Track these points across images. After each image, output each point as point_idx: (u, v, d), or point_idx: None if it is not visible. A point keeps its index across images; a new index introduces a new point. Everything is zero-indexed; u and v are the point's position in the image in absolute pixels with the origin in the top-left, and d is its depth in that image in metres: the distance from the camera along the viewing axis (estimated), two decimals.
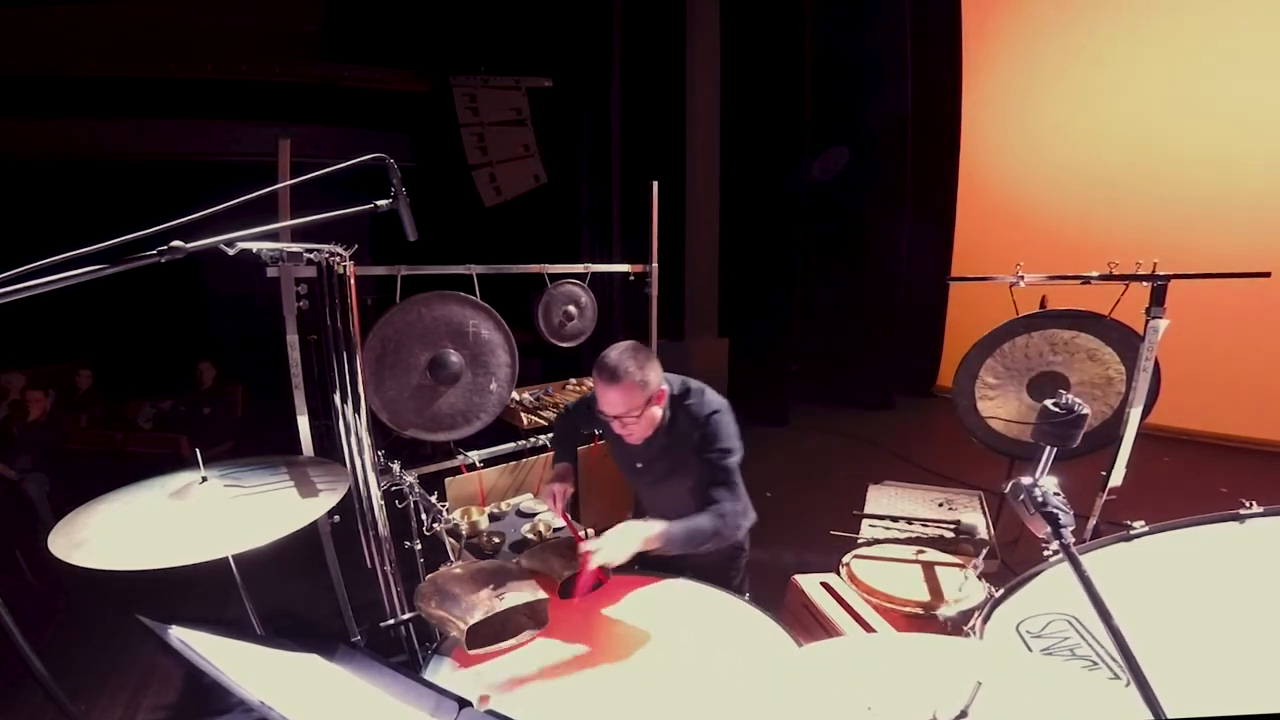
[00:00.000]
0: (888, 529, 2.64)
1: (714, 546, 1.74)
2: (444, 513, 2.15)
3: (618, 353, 1.71)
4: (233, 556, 1.54)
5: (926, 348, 6.82)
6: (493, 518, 2.56)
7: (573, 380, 3.64)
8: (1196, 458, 4.85)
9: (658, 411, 1.79)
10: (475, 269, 2.64)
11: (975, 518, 2.58)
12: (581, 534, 1.81)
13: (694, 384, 1.90)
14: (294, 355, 2.22)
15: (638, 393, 1.69)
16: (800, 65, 6.06)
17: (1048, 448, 1.31)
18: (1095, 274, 2.41)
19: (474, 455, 2.74)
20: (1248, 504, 1.82)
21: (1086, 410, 1.32)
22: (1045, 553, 1.73)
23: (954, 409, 3.02)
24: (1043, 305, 2.86)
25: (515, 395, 3.17)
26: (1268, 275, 2.29)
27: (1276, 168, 4.74)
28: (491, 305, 2.67)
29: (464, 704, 1.03)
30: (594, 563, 1.58)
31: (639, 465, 1.98)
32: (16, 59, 5.26)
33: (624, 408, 1.70)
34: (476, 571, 1.70)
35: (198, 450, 1.68)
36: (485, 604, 1.56)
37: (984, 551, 1.67)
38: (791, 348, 6.31)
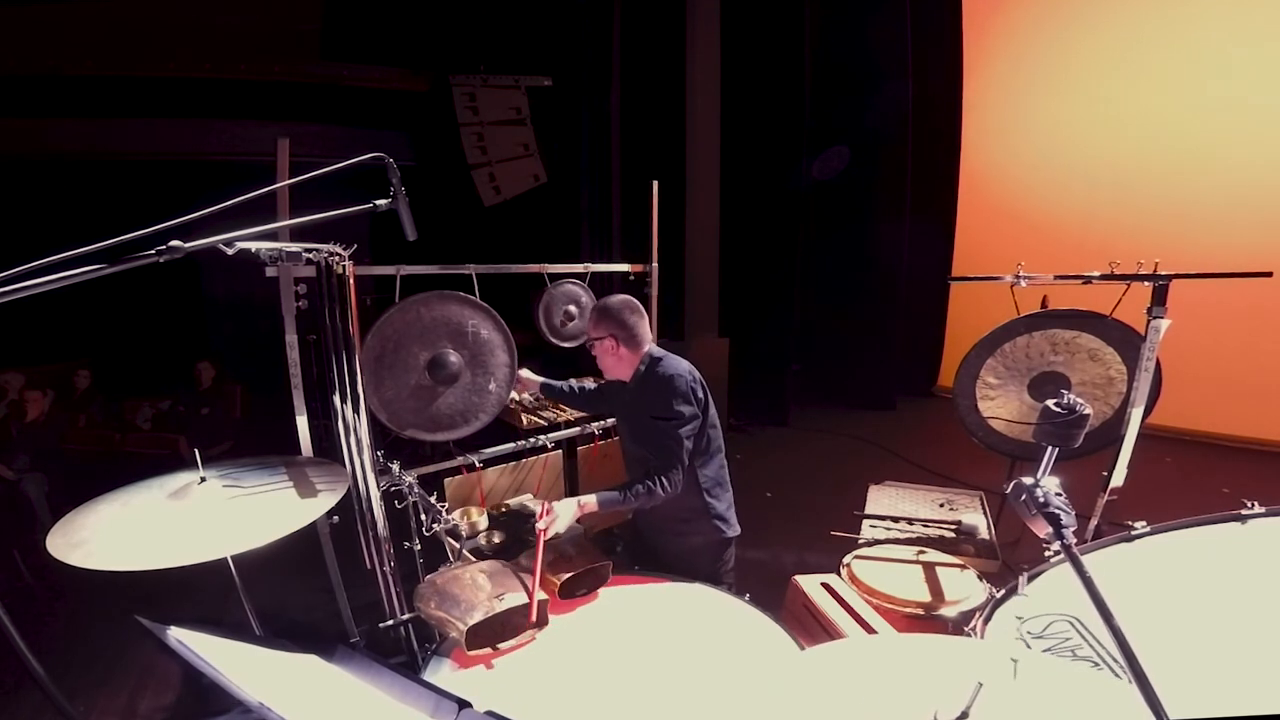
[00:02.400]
0: (888, 529, 2.64)
1: (647, 506, 1.98)
2: (443, 513, 2.14)
3: (611, 298, 2.13)
4: (231, 557, 1.53)
5: (927, 348, 6.81)
6: (492, 518, 2.56)
7: (572, 380, 3.62)
8: (1198, 458, 4.84)
9: (610, 352, 2.08)
10: (475, 269, 2.63)
11: (976, 518, 2.58)
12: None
13: (673, 355, 2.10)
14: (293, 355, 2.21)
15: (591, 323, 2.13)
16: (800, 65, 6.06)
17: (1049, 448, 1.31)
18: (1097, 274, 2.41)
19: (473, 456, 2.73)
20: (1249, 504, 1.81)
21: (1088, 410, 1.31)
22: (1046, 553, 1.73)
23: (955, 409, 3.01)
24: (1044, 305, 2.85)
25: (515, 396, 3.16)
26: (1269, 275, 2.29)
27: (1278, 167, 4.73)
28: (491, 305, 2.67)
29: (463, 705, 1.03)
30: (548, 534, 1.78)
31: (620, 417, 2.28)
32: (15, 58, 5.25)
33: (588, 329, 2.16)
34: (476, 572, 1.70)
35: (196, 450, 1.67)
36: (485, 605, 1.55)
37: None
38: (792, 348, 6.31)
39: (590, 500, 1.88)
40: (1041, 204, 5.94)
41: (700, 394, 2.03)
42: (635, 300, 2.13)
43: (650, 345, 2.11)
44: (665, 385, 1.98)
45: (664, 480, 1.90)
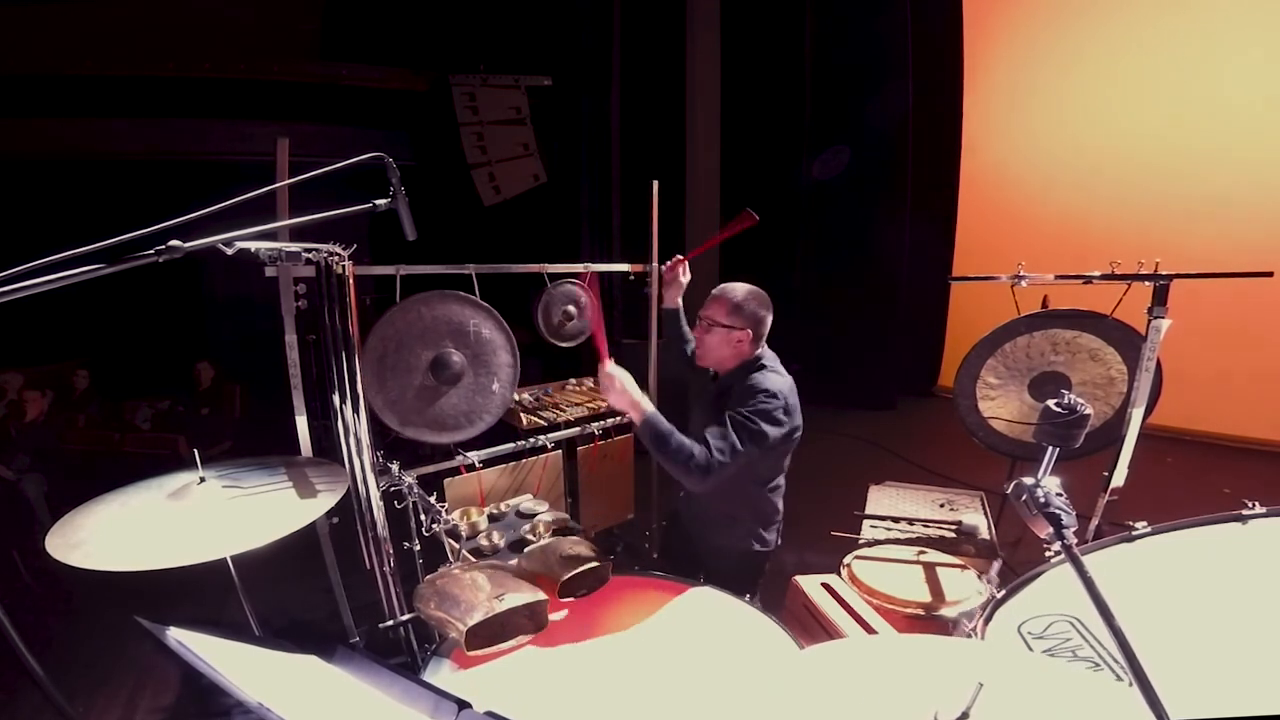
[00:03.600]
0: (889, 529, 2.64)
1: (669, 468, 1.83)
2: (443, 514, 2.14)
3: (745, 286, 2.05)
4: (231, 558, 1.53)
5: (928, 348, 6.81)
6: (492, 518, 2.55)
7: (573, 380, 3.63)
8: (1199, 458, 4.84)
9: (733, 343, 2.01)
10: (474, 269, 2.63)
11: (977, 518, 2.58)
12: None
13: (779, 366, 2.04)
14: (292, 355, 2.21)
15: (724, 309, 2.00)
16: (801, 65, 6.05)
17: (1050, 448, 1.30)
18: (1097, 274, 2.41)
19: (473, 456, 2.73)
20: (1250, 504, 1.81)
21: (1089, 410, 1.31)
22: (1047, 553, 1.73)
23: (955, 409, 3.01)
24: (1044, 305, 2.85)
25: (515, 395, 3.16)
26: (1270, 275, 2.28)
27: (1278, 167, 4.73)
28: (491, 305, 2.67)
29: (463, 705, 1.03)
30: (606, 371, 1.82)
31: (699, 402, 2.21)
32: (15, 58, 5.25)
33: (709, 310, 2.03)
34: (476, 573, 1.70)
35: (196, 451, 1.67)
36: (485, 605, 1.55)
37: (996, 565, 1.64)
38: (792, 348, 6.28)
39: (648, 406, 1.81)
40: (1042, 204, 5.93)
41: (784, 419, 1.90)
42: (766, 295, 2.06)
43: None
44: (761, 400, 1.87)
45: (709, 457, 1.77)
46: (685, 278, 2.51)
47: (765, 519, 2.14)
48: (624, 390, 1.82)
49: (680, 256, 2.51)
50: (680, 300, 2.50)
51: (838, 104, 6.40)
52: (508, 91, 6.52)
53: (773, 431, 1.86)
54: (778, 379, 1.96)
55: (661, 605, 1.75)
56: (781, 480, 2.16)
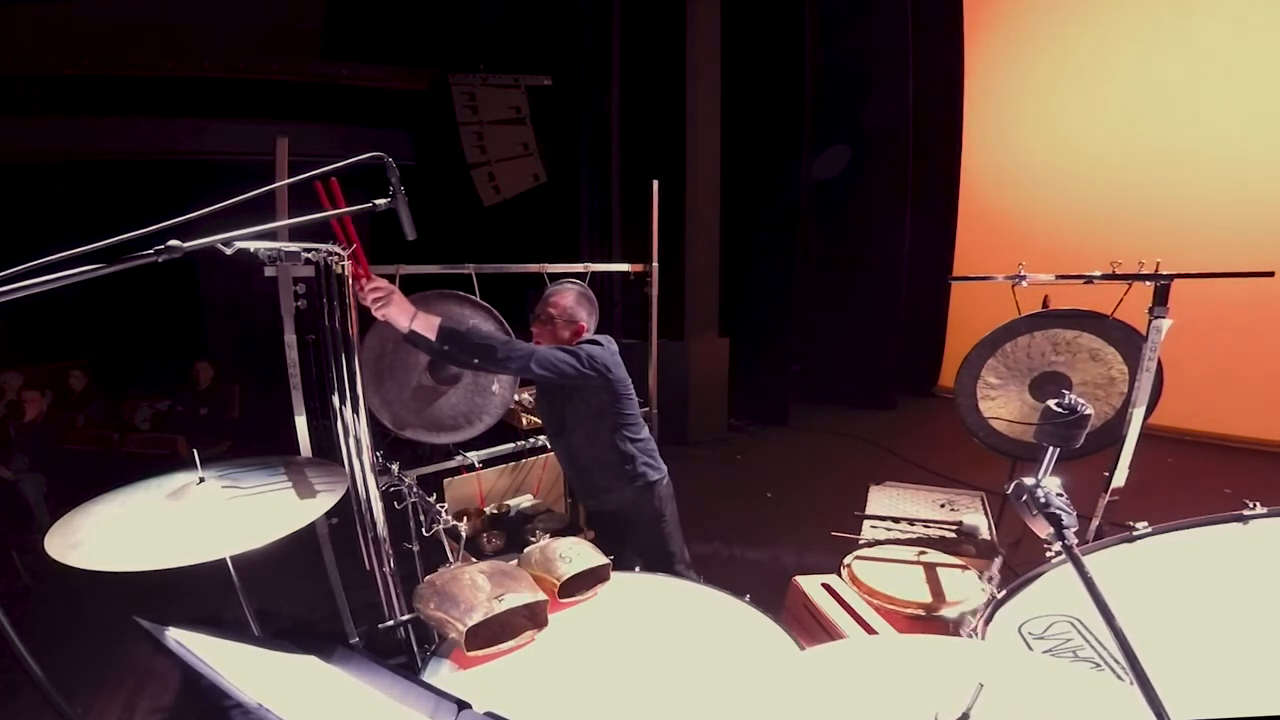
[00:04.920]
0: (889, 530, 2.63)
1: (482, 362, 2.01)
2: (443, 514, 2.13)
3: (572, 286, 2.37)
4: (230, 558, 1.53)
5: (928, 347, 6.81)
6: (492, 518, 2.56)
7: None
8: (1200, 458, 4.84)
9: (573, 335, 2.27)
10: (474, 268, 2.63)
11: (977, 518, 2.58)
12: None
13: (602, 338, 2.24)
14: (292, 355, 2.21)
15: (564, 304, 2.30)
16: (801, 64, 6.05)
17: (1050, 448, 1.30)
18: (1098, 273, 2.40)
19: (473, 456, 2.72)
20: (1251, 505, 1.81)
21: (1089, 410, 1.31)
22: (1048, 554, 1.72)
23: (955, 409, 3.01)
24: (1045, 305, 2.84)
25: (515, 396, 3.16)
26: (1271, 275, 2.28)
27: (1279, 166, 4.73)
28: (491, 305, 2.67)
29: (463, 706, 1.02)
30: (371, 292, 1.84)
31: (544, 401, 2.39)
32: (14, 58, 5.25)
33: (551, 307, 2.30)
34: (475, 573, 1.69)
35: (195, 451, 1.67)
36: (484, 605, 1.55)
37: (997, 562, 1.64)
38: (792, 348, 6.30)
39: (433, 321, 1.89)
40: (1043, 203, 5.93)
41: (601, 356, 2.14)
42: None
43: None
44: (582, 344, 2.17)
45: (521, 342, 2.02)
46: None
47: (647, 451, 2.33)
48: (404, 301, 1.86)
49: (364, 274, 1.90)
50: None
51: (838, 104, 6.40)
52: (508, 91, 6.52)
53: (591, 350, 2.11)
54: (600, 339, 2.23)
55: (661, 605, 1.75)
56: (640, 420, 2.36)
